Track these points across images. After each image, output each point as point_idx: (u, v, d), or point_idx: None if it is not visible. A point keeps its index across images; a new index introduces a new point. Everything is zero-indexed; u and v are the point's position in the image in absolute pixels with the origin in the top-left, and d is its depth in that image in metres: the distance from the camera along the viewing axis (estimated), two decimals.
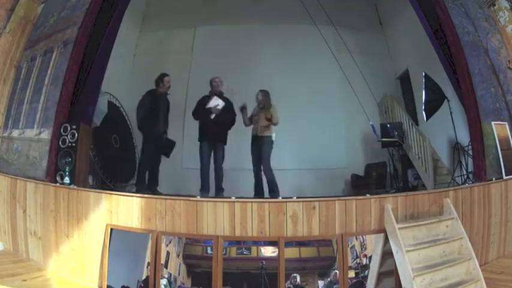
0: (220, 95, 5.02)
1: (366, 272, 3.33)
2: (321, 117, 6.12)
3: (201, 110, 5.00)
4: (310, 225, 3.33)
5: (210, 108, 4.90)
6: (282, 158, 5.56)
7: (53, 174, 4.17)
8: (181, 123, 6.08)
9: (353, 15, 6.63)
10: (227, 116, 5.01)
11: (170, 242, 3.40)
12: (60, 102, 4.41)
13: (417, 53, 6.07)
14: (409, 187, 5.59)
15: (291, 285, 3.23)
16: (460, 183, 4.73)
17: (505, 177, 4.25)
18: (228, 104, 5.03)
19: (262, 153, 4.93)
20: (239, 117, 5.10)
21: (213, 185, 4.88)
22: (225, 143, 4.99)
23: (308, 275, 3.29)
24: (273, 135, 4.98)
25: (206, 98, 5.02)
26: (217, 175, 4.90)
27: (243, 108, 5.04)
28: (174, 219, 3.41)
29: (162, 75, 5.03)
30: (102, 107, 5.37)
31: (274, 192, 4.78)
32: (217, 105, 4.86)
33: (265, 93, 5.07)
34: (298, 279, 3.24)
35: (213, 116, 4.88)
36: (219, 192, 4.85)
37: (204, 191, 4.80)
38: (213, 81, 5.09)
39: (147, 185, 4.92)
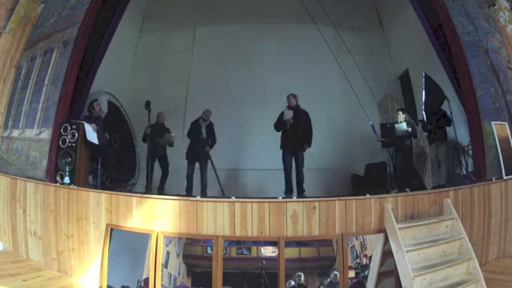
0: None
1: (366, 272, 3.33)
2: (320, 117, 6.11)
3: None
4: (310, 225, 3.33)
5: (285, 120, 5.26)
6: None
7: (53, 174, 4.17)
8: (182, 123, 6.09)
9: (353, 15, 6.63)
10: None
11: (170, 242, 3.40)
12: (60, 102, 4.41)
13: (417, 53, 6.07)
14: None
15: (295, 284, 3.23)
16: (460, 183, 4.73)
17: (505, 177, 4.25)
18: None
19: None
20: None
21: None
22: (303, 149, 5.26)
23: (308, 275, 3.29)
24: None
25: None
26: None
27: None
28: (174, 219, 3.41)
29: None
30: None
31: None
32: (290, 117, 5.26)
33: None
34: (302, 278, 3.24)
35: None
36: (301, 193, 5.05)
37: (288, 192, 5.05)
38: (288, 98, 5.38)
39: None
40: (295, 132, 5.23)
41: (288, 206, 3.33)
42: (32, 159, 4.40)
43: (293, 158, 5.24)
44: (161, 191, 5.40)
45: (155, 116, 5.57)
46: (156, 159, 5.56)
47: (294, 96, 5.40)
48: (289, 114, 5.24)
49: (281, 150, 5.26)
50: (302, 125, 5.28)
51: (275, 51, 6.52)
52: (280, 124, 5.32)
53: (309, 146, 5.29)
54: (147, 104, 5.19)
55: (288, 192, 5.08)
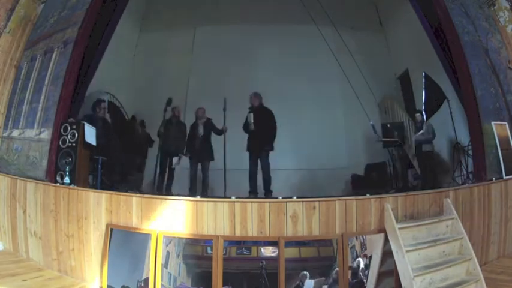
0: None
1: (366, 272, 3.33)
2: (321, 118, 6.12)
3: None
4: (310, 225, 3.33)
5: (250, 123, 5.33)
6: (283, 158, 5.57)
7: (53, 174, 4.17)
8: None
9: (353, 15, 6.63)
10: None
11: (170, 242, 3.40)
12: (60, 102, 4.41)
13: (417, 53, 6.07)
14: (409, 187, 5.58)
15: (301, 284, 3.23)
16: (460, 183, 4.73)
17: (505, 177, 4.26)
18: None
19: None
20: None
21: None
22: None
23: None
24: None
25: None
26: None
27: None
28: (174, 219, 3.41)
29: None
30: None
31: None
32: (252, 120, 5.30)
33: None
34: (308, 277, 3.24)
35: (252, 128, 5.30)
36: (268, 193, 5.14)
37: (253, 192, 5.14)
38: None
39: None
40: (258, 134, 5.26)
41: (288, 206, 3.33)
42: (32, 159, 4.40)
43: (258, 159, 5.27)
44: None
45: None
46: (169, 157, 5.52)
47: (256, 95, 5.43)
48: (250, 118, 5.27)
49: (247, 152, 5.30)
50: (265, 126, 5.30)
51: (275, 51, 6.51)
52: (245, 127, 5.38)
53: (271, 148, 5.28)
54: (169, 102, 5.35)
55: (253, 193, 5.15)
